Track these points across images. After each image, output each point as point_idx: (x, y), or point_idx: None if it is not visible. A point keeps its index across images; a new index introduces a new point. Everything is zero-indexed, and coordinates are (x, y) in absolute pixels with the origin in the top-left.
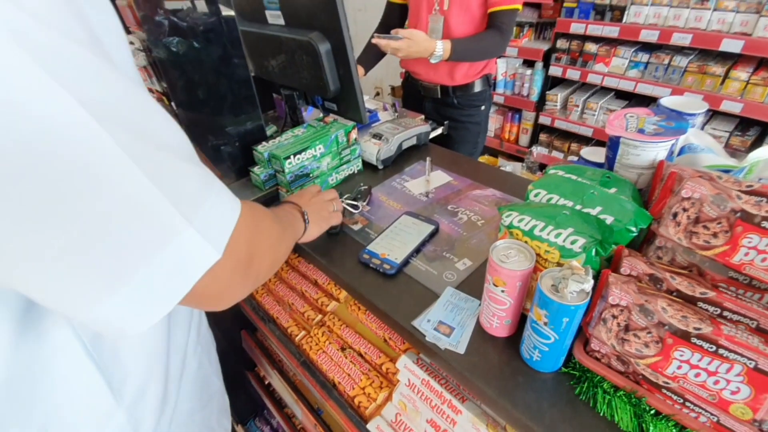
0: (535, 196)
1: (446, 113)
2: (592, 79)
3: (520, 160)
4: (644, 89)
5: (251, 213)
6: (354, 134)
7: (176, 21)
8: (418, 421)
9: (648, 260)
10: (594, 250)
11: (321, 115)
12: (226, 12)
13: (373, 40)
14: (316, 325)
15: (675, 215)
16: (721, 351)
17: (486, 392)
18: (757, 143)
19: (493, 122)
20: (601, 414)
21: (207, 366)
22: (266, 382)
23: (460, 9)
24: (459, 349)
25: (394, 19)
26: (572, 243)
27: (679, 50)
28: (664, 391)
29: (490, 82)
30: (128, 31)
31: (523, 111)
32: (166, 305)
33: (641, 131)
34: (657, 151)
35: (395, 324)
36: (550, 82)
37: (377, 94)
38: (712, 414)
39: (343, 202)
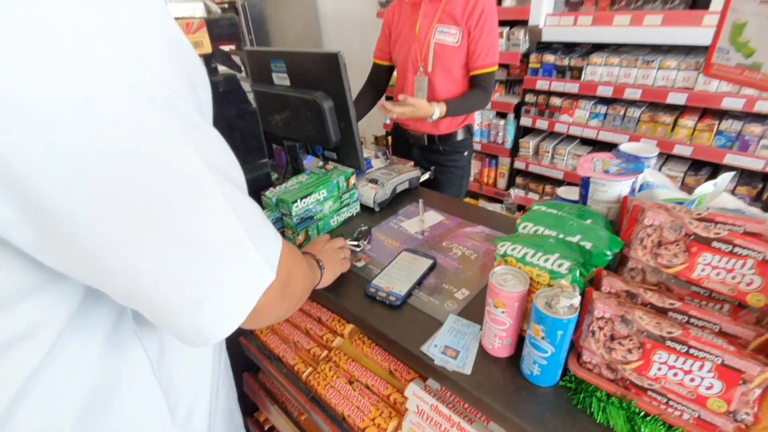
0: (524, 228)
1: (432, 159)
2: (558, 128)
3: (500, 201)
4: (605, 136)
5: (287, 243)
6: (353, 180)
7: None
8: None
9: (623, 279)
10: (578, 272)
11: (321, 163)
12: (223, 70)
13: (380, 104)
14: (322, 361)
15: (641, 240)
16: (692, 351)
17: (493, 407)
18: (709, 181)
19: (473, 167)
20: (598, 421)
21: (231, 399)
22: (266, 428)
23: (443, 71)
24: (466, 370)
25: (380, 78)
26: (559, 266)
27: (633, 102)
28: (650, 393)
29: (471, 131)
30: None
31: (499, 157)
32: (240, 316)
33: (607, 172)
34: (621, 188)
35: (404, 351)
36: (522, 131)
37: (361, 143)
38: (693, 410)
39: (346, 242)
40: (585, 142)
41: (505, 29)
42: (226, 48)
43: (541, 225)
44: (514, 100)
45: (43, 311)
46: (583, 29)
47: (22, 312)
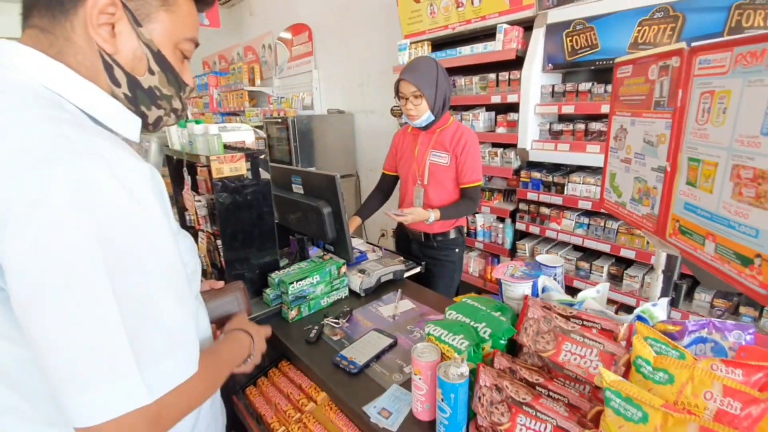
0: (449, 314)
1: (428, 253)
2: (549, 234)
3: None
4: (590, 244)
5: (192, 383)
6: (344, 269)
7: (227, 183)
8: None
9: (510, 358)
10: (472, 350)
11: (321, 253)
12: (264, 176)
13: (386, 213)
14: (294, 422)
15: (525, 329)
16: (538, 414)
17: None
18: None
19: (477, 264)
20: None
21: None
22: None
23: (436, 184)
24: (393, 428)
25: (387, 185)
26: (461, 344)
27: (611, 216)
28: None
29: (462, 231)
30: (198, 193)
31: (500, 256)
32: (95, 420)
33: (513, 276)
34: (523, 288)
35: (350, 409)
36: (519, 234)
37: (382, 235)
38: None
39: (328, 319)
40: (576, 248)
41: (500, 149)
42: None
43: (461, 313)
44: (511, 207)
45: None
46: (562, 153)
47: None
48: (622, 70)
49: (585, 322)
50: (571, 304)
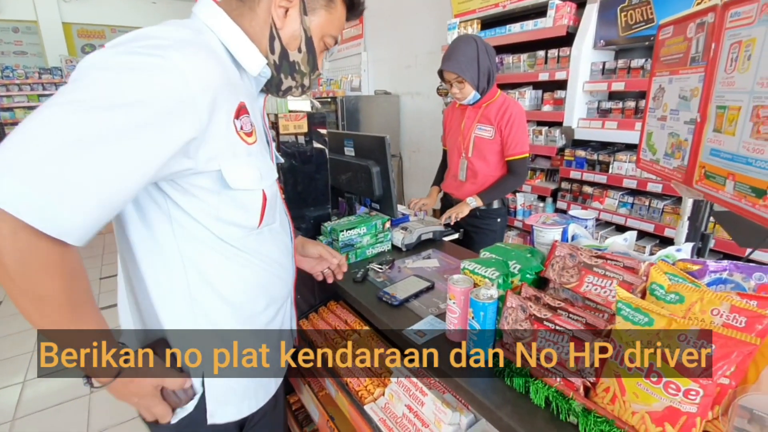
0: (483, 254)
1: (470, 221)
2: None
3: None
4: (633, 224)
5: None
6: (388, 225)
7: (285, 148)
8: (399, 406)
9: (535, 289)
10: (502, 279)
11: (368, 211)
12: (318, 146)
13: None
14: (340, 347)
15: (552, 265)
16: (557, 327)
17: (445, 371)
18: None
19: (513, 241)
20: (508, 383)
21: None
22: (294, 409)
23: (479, 157)
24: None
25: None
26: (492, 275)
27: (657, 195)
28: (537, 361)
29: (505, 203)
30: None
31: None
32: None
33: (543, 223)
34: (552, 234)
35: (392, 332)
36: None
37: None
38: (559, 372)
39: (372, 264)
40: (619, 228)
41: (544, 128)
42: (323, 131)
43: (494, 253)
44: (553, 186)
45: None
46: (609, 131)
47: None
48: (664, 32)
49: (608, 261)
50: (598, 249)
